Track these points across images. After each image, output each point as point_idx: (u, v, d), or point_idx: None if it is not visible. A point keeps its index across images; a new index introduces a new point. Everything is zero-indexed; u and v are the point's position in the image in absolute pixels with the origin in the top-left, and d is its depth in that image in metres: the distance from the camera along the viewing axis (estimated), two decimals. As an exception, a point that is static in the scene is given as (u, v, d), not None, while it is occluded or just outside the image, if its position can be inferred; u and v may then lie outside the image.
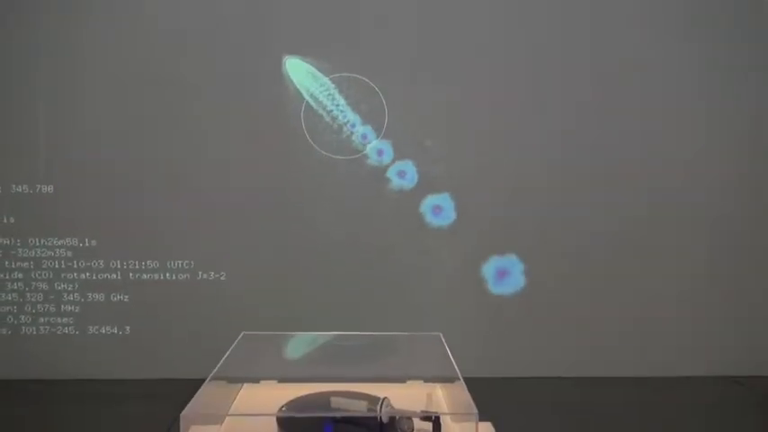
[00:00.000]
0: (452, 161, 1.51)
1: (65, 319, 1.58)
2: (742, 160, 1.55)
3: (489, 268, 1.52)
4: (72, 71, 1.50)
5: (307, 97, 1.54)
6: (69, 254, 1.55)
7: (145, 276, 1.53)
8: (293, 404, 0.76)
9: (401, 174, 1.54)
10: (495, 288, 1.54)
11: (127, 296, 1.54)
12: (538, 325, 1.53)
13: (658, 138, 1.53)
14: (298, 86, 1.58)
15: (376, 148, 1.57)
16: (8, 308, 1.57)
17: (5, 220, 1.52)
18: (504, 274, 1.54)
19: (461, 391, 0.72)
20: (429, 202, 1.52)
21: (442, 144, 1.52)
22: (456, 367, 0.75)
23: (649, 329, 1.56)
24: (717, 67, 1.52)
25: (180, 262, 1.55)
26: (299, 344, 0.87)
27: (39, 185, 1.53)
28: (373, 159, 1.54)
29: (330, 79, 1.53)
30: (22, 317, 1.60)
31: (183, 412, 0.65)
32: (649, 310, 1.55)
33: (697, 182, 1.54)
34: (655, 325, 1.56)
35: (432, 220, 1.51)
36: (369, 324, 1.38)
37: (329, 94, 1.55)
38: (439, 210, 1.55)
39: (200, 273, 1.61)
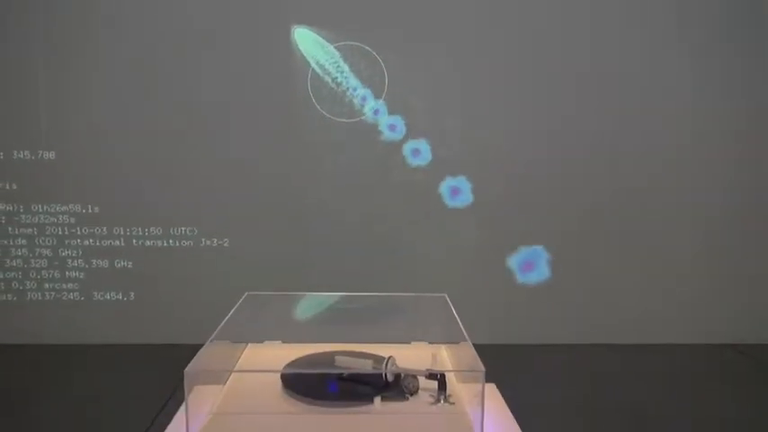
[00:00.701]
0: (466, 139, 1.49)
1: (69, 285, 1.58)
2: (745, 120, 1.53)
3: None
4: (74, 36, 1.47)
5: (314, 65, 1.52)
6: (72, 220, 1.54)
7: (148, 243, 1.52)
8: (297, 363, 0.76)
9: (415, 152, 1.52)
10: (511, 264, 1.54)
11: (130, 262, 1.54)
12: (547, 294, 1.53)
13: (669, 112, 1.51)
14: (305, 55, 1.55)
15: (387, 123, 1.55)
16: (13, 274, 1.58)
17: (8, 187, 1.52)
18: (528, 263, 1.54)
19: (467, 352, 0.71)
20: (447, 183, 1.51)
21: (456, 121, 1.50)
22: (462, 327, 0.74)
23: (656, 298, 1.56)
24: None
25: (183, 228, 1.55)
26: (303, 304, 0.87)
27: (40, 151, 1.52)
28: (386, 135, 1.51)
29: (336, 47, 1.50)
30: (28, 282, 1.61)
31: (187, 369, 0.65)
32: (656, 280, 1.55)
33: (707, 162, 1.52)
34: (660, 294, 1.56)
35: (448, 200, 1.50)
36: (374, 285, 1.38)
37: (336, 64, 1.52)
38: (456, 191, 1.53)
39: (203, 240, 1.60)
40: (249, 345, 0.83)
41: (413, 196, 1.48)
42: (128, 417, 1.15)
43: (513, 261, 1.52)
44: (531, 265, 1.53)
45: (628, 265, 1.52)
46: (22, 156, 1.48)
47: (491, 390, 0.80)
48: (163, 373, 1.11)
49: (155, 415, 1.13)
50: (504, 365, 0.86)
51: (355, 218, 1.48)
